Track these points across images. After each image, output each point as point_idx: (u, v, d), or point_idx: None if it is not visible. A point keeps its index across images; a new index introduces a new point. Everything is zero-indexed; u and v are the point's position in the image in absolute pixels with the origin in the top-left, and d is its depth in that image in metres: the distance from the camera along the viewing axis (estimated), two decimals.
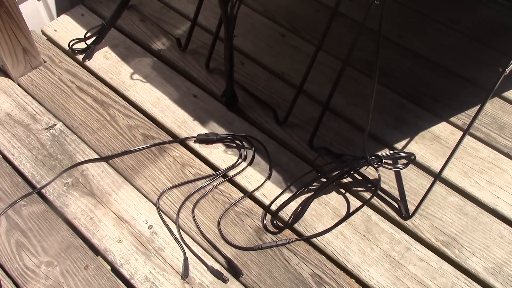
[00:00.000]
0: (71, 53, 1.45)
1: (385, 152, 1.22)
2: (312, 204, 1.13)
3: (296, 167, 1.20)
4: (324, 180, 1.16)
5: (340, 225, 1.10)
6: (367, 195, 1.16)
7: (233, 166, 1.19)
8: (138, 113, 1.31)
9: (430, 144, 1.27)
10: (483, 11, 1.66)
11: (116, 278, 1.01)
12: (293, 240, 1.07)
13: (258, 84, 1.40)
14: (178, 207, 1.11)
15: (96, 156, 1.20)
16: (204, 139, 1.24)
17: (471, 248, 1.08)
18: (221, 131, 1.27)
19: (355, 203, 1.14)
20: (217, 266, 1.03)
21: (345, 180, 1.18)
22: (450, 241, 1.08)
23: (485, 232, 1.10)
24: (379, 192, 1.16)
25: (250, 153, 1.23)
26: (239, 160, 1.21)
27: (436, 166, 1.21)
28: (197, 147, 1.24)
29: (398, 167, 1.18)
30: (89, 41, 1.45)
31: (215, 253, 1.05)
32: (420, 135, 1.29)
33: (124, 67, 1.43)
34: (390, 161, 1.18)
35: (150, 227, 1.08)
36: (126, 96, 1.35)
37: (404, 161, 1.19)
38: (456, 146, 1.03)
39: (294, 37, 1.55)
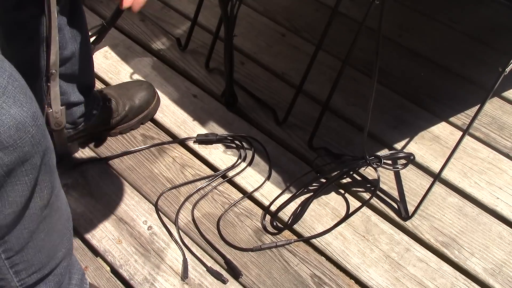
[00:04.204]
0: None
1: (384, 152, 1.22)
2: (312, 205, 1.13)
3: (295, 167, 1.20)
4: (323, 180, 1.16)
5: (340, 225, 1.10)
6: (366, 195, 1.16)
7: (233, 167, 1.19)
8: None
9: (430, 144, 1.27)
10: (483, 11, 1.66)
11: (116, 279, 1.01)
12: (292, 241, 1.07)
13: (258, 84, 1.40)
14: (177, 207, 1.11)
15: (95, 157, 1.20)
16: (203, 140, 1.24)
17: (471, 249, 1.08)
18: (220, 131, 1.27)
19: (354, 203, 1.14)
20: (216, 267, 1.03)
21: (344, 181, 1.18)
22: (449, 242, 1.08)
23: (485, 233, 1.10)
24: (378, 192, 1.16)
25: (249, 153, 1.23)
26: (239, 161, 1.21)
27: (435, 167, 1.21)
28: (197, 147, 1.24)
29: (398, 168, 1.18)
30: None
31: (215, 254, 1.05)
32: (420, 135, 1.29)
33: (124, 67, 1.43)
34: (389, 162, 1.18)
35: (149, 228, 1.08)
36: None
37: (403, 161, 1.18)
38: (456, 146, 1.03)
39: (294, 37, 1.55)
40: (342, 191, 1.16)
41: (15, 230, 0.67)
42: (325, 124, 1.28)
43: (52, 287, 0.79)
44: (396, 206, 1.14)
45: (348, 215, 1.12)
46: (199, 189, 1.15)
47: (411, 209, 1.13)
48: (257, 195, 1.15)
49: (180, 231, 1.08)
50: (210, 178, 1.17)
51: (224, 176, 1.18)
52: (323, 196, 1.15)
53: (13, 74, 0.60)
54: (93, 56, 1.43)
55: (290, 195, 1.14)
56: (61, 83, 0.99)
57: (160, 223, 1.09)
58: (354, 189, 1.17)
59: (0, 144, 0.58)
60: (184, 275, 1.01)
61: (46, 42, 0.80)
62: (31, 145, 0.61)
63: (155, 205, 1.12)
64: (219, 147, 1.24)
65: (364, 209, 1.13)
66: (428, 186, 1.10)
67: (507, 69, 0.90)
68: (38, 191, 0.67)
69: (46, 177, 0.67)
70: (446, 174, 1.20)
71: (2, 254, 0.68)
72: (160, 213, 1.11)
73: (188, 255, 1.04)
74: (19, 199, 0.64)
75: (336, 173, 1.16)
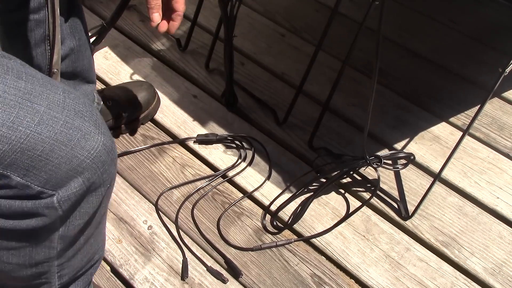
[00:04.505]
0: None
1: (384, 152, 1.22)
2: (312, 205, 1.13)
3: (295, 167, 1.20)
4: (323, 180, 1.16)
5: (340, 225, 1.10)
6: (366, 195, 1.16)
7: (233, 167, 1.19)
8: None
9: (430, 144, 1.27)
10: (483, 11, 1.66)
11: (116, 278, 1.01)
12: (292, 240, 1.07)
13: (258, 85, 1.40)
14: (177, 207, 1.11)
15: None
16: (203, 140, 1.24)
17: (471, 249, 1.08)
18: (220, 131, 1.27)
19: (354, 203, 1.14)
20: (216, 267, 1.03)
21: (344, 180, 1.18)
22: (449, 242, 1.08)
23: (485, 232, 1.10)
24: (378, 192, 1.16)
25: (249, 153, 1.23)
26: (239, 161, 1.21)
27: (435, 166, 1.21)
28: (197, 147, 1.24)
29: (398, 167, 1.18)
30: None
31: (215, 254, 1.05)
32: (420, 135, 1.29)
33: (124, 67, 1.43)
34: (389, 161, 1.18)
35: (149, 227, 1.08)
36: None
37: (403, 161, 1.18)
38: (456, 146, 1.03)
39: (294, 37, 1.55)
40: (342, 191, 1.16)
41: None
42: (325, 124, 1.29)
43: (81, 286, 0.79)
44: (396, 206, 1.14)
45: (348, 215, 1.12)
46: (199, 189, 1.15)
47: (411, 208, 1.13)
48: (257, 194, 1.15)
49: (180, 230, 1.08)
50: (210, 178, 1.17)
51: (224, 176, 1.18)
52: (323, 196, 1.15)
53: (66, 88, 0.59)
54: (93, 56, 1.44)
55: (290, 194, 1.14)
56: (62, 82, 0.99)
57: (160, 222, 1.09)
58: (354, 188, 1.17)
59: (75, 159, 0.56)
60: (184, 275, 1.01)
61: (50, 41, 0.80)
62: (106, 153, 0.59)
63: (155, 205, 1.12)
64: (219, 147, 1.24)
65: (364, 208, 1.13)
66: (428, 186, 1.10)
67: (507, 70, 0.90)
68: (105, 200, 0.65)
69: (113, 186, 0.66)
70: (446, 174, 1.20)
71: (56, 261, 0.67)
72: (160, 212, 1.11)
73: (188, 254, 1.04)
74: (90, 210, 0.63)
75: (336, 173, 1.16)
